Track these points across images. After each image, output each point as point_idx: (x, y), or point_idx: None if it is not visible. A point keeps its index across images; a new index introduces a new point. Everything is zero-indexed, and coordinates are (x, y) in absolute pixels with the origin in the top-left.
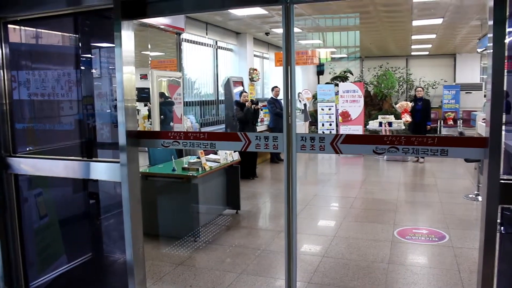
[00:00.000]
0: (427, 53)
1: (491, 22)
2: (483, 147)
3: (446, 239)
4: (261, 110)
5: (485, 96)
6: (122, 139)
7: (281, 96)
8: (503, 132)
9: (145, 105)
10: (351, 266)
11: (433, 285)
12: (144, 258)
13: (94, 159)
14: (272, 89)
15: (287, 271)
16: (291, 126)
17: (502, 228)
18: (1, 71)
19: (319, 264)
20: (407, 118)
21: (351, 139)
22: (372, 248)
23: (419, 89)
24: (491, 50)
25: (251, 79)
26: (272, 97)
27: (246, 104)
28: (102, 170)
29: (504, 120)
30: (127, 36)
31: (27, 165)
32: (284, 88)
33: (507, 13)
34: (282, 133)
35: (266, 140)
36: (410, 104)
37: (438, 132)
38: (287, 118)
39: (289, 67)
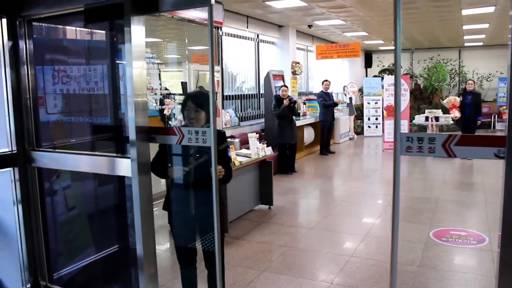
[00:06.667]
0: (481, 43)
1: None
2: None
3: (486, 243)
4: (304, 104)
5: None
6: (132, 134)
7: (331, 89)
8: None
9: None
10: (378, 268)
11: None
12: (155, 252)
13: (114, 154)
14: (322, 83)
15: None
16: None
17: None
18: (25, 66)
19: (345, 264)
20: (455, 114)
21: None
22: (403, 249)
23: (470, 82)
24: (510, 42)
25: (294, 73)
26: (322, 91)
27: (284, 101)
28: (123, 166)
29: None
30: (138, 31)
31: (49, 159)
32: (210, 86)
33: None
34: (210, 128)
35: (197, 134)
36: (458, 99)
37: (492, 128)
38: (213, 115)
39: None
